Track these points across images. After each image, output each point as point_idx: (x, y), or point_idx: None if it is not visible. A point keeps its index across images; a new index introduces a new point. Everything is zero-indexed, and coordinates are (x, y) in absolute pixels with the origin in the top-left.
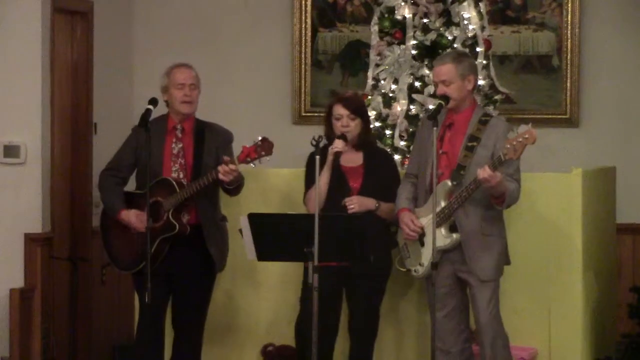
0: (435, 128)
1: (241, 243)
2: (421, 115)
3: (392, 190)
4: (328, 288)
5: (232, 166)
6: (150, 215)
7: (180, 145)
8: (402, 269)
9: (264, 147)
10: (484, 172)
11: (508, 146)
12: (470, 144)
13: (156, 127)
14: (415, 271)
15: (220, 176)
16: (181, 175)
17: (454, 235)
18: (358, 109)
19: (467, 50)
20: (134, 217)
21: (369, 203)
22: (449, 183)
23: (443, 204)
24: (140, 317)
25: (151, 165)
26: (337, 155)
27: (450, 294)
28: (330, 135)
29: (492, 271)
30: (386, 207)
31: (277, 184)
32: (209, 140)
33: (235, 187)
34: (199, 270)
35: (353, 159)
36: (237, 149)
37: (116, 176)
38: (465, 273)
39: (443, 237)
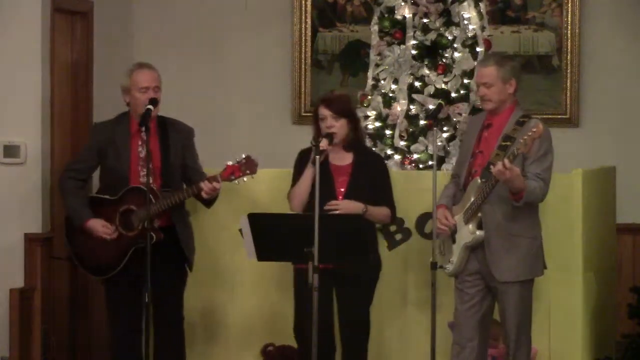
0: (436, 129)
1: (243, 243)
2: (421, 115)
3: (382, 194)
4: (319, 289)
5: (215, 184)
6: (122, 224)
7: (147, 149)
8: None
9: (248, 166)
10: (498, 165)
11: (521, 141)
12: (504, 143)
13: (119, 128)
14: (446, 268)
15: (204, 194)
16: (150, 180)
17: (478, 233)
18: (343, 110)
19: (467, 50)
20: (100, 228)
21: (356, 207)
22: (479, 180)
23: (472, 200)
24: (117, 326)
25: (117, 169)
26: (315, 151)
27: (474, 290)
28: (318, 137)
29: (514, 273)
30: (374, 211)
31: (275, 184)
32: (173, 141)
33: (212, 199)
34: (173, 270)
35: (342, 158)
36: (230, 150)
37: (77, 178)
38: (487, 274)
39: (469, 234)
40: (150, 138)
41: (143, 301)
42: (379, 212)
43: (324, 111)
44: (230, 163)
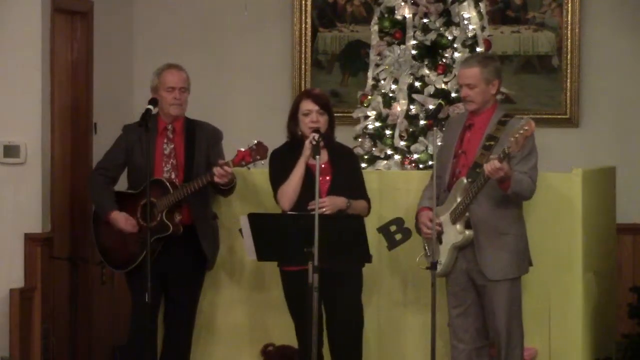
0: (436, 128)
1: (242, 242)
2: (421, 115)
3: (358, 188)
4: (306, 286)
5: (227, 168)
6: (144, 217)
7: (172, 146)
8: (422, 267)
9: (259, 151)
10: (492, 164)
11: (511, 139)
12: (487, 143)
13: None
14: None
15: (216, 179)
16: (173, 176)
17: (467, 232)
18: (326, 105)
19: (467, 50)
20: (123, 221)
21: (340, 202)
22: (464, 180)
23: (459, 200)
24: (134, 316)
25: (143, 165)
26: (315, 149)
27: (465, 291)
28: (294, 132)
29: (503, 271)
30: (357, 205)
31: None
32: (199, 140)
33: (228, 187)
34: (191, 269)
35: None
36: (232, 151)
37: (106, 175)
38: (475, 272)
39: (457, 233)
40: (177, 137)
41: (148, 301)
42: (359, 206)
43: (310, 105)
44: (241, 149)
